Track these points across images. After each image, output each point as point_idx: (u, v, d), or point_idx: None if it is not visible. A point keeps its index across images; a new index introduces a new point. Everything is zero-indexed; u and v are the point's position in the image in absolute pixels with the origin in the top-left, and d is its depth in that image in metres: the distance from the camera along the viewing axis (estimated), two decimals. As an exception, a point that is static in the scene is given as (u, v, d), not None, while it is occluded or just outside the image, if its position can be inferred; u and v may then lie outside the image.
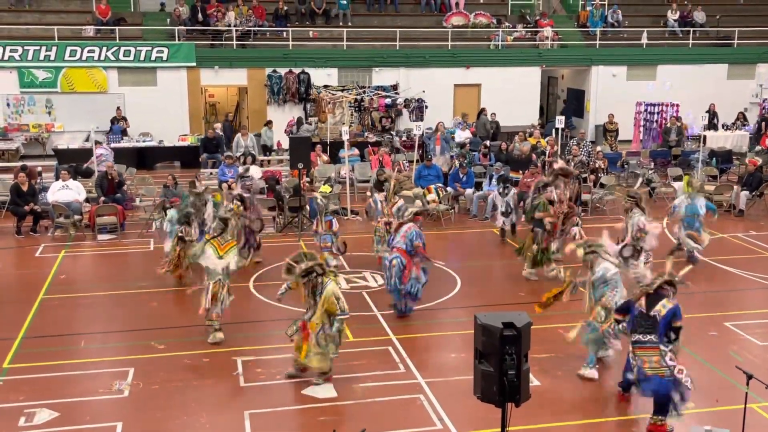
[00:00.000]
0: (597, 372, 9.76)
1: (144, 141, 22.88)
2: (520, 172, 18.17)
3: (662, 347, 8.35)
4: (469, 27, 27.33)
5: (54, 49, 23.46)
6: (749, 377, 7.70)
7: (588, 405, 9.23)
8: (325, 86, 24.96)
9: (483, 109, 24.32)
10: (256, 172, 18.94)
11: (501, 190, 16.01)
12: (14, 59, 23.32)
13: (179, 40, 24.59)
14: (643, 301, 8.45)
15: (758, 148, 23.16)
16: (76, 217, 16.25)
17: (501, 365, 6.18)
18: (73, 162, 19.46)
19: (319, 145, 21.28)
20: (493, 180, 18.01)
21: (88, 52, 23.63)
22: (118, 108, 23.40)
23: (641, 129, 25.21)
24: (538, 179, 14.39)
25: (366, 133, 23.85)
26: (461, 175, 18.16)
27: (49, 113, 23.82)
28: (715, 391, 9.37)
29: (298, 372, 9.64)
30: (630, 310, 8.59)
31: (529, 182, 16.49)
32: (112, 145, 21.83)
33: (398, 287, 11.47)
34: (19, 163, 19.02)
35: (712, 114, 24.77)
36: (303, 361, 9.43)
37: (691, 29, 28.23)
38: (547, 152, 19.63)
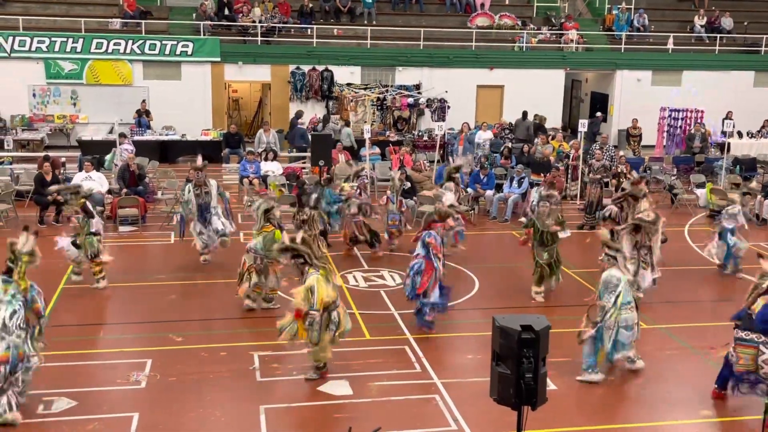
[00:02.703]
0: (599, 375, 9.68)
1: (167, 134, 23.01)
2: (542, 175, 18.10)
3: (762, 347, 8.59)
4: (494, 28, 27.24)
5: (80, 41, 23.66)
6: (769, 388, 7.64)
7: (605, 410, 9.18)
8: (348, 84, 24.99)
9: (525, 112, 24.25)
10: (276, 168, 19.12)
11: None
12: (41, 50, 23.55)
13: (204, 35, 24.73)
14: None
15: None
16: (98, 208, 16.35)
17: (518, 368, 6.17)
18: (97, 153, 19.61)
19: (339, 143, 21.29)
20: (514, 182, 17.97)
21: (114, 44, 23.83)
22: (144, 101, 23.57)
23: (665, 135, 25.03)
24: (550, 186, 14.14)
25: (387, 132, 23.85)
26: (482, 176, 18.11)
27: (74, 104, 24.04)
28: (733, 402, 9.28)
29: (318, 374, 9.64)
30: (741, 316, 8.95)
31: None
32: (135, 138, 21.99)
33: (415, 294, 11.21)
34: (43, 153, 19.19)
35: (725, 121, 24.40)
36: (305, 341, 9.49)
37: (718, 35, 27.97)
38: (571, 155, 19.53)
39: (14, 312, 8.39)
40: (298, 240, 9.69)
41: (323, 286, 9.27)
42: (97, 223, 12.75)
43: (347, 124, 23.09)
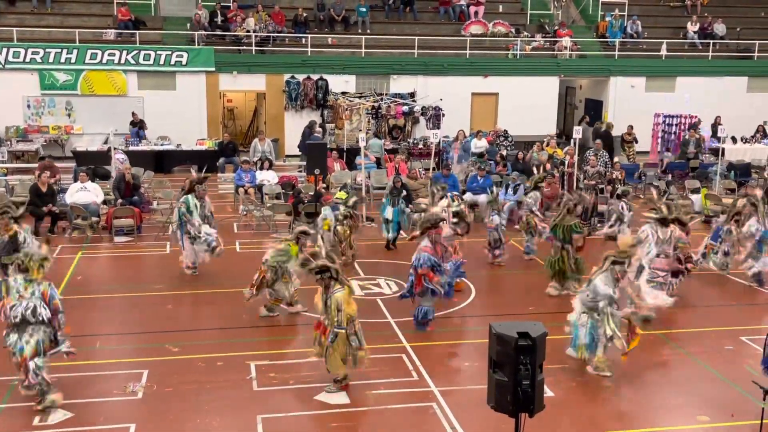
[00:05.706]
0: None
1: (162, 144, 23.02)
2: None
3: None
4: (488, 36, 27.34)
5: (75, 51, 23.69)
6: (766, 392, 7.64)
7: (602, 417, 9.17)
8: (343, 93, 25.04)
9: (583, 117, 24.18)
10: (272, 177, 19.12)
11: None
12: (36, 61, 23.57)
13: (199, 44, 24.75)
14: None
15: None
16: (94, 218, 16.36)
17: (515, 375, 6.17)
18: (92, 164, 19.59)
19: (335, 152, 21.31)
20: (509, 189, 17.96)
21: (109, 55, 23.86)
22: (134, 113, 23.57)
23: (659, 140, 25.11)
24: (559, 194, 14.14)
25: (383, 140, 23.84)
26: (479, 179, 18.09)
27: (69, 115, 24.06)
28: (730, 406, 9.28)
29: (337, 388, 9.54)
30: None
31: (546, 192, 16.43)
32: (131, 148, 22.01)
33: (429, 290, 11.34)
34: (39, 164, 19.14)
35: (717, 126, 24.40)
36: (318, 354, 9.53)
37: (711, 41, 28.10)
38: (566, 162, 19.57)
39: (35, 308, 8.77)
40: (324, 254, 9.69)
41: (350, 302, 9.34)
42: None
43: (376, 135, 23.08)
